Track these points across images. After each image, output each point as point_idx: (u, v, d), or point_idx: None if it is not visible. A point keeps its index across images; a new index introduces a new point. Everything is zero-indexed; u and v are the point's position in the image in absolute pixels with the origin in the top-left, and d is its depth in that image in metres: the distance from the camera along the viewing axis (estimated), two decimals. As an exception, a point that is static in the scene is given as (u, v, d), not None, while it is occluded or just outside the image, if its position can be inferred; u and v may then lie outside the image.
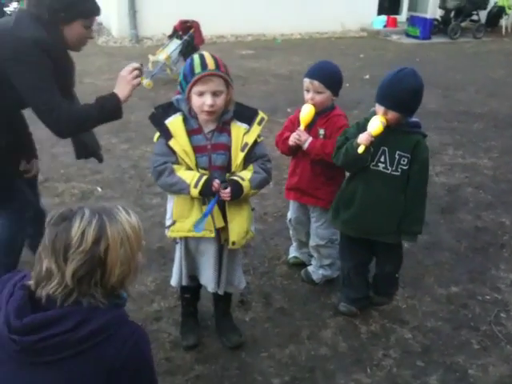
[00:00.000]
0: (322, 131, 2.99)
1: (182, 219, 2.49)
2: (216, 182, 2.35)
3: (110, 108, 2.68)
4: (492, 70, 9.16)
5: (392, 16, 13.18)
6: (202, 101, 2.31)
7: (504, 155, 5.39)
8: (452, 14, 12.49)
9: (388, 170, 2.67)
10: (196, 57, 2.35)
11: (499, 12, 13.01)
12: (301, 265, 3.43)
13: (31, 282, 1.54)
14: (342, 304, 3.04)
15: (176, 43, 7.35)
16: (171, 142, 2.37)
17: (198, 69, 2.29)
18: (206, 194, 2.37)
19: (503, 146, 5.65)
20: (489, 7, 12.83)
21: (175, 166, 2.40)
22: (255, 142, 2.43)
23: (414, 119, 2.69)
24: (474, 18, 12.78)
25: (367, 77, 7.93)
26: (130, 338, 1.51)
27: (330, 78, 2.94)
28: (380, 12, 13.27)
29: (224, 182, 2.39)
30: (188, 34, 7.31)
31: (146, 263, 3.43)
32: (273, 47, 10.75)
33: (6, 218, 2.95)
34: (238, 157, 2.41)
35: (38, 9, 2.57)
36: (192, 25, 7.34)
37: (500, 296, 3.25)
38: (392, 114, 2.56)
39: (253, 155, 2.46)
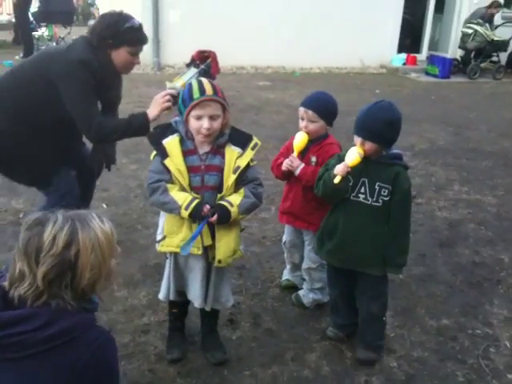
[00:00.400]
0: (313, 158, 3.06)
1: (172, 235, 2.57)
2: (206, 208, 2.44)
3: (137, 124, 3.15)
4: (507, 111, 9.16)
5: (412, 54, 13.32)
6: (200, 124, 2.42)
7: (510, 193, 5.37)
8: (472, 54, 12.59)
9: (368, 200, 2.67)
10: (194, 82, 2.47)
11: (520, 54, 13.11)
12: (293, 288, 3.45)
13: (6, 283, 1.61)
14: (329, 329, 3.05)
15: (193, 71, 7.46)
16: (166, 161, 2.47)
17: (196, 94, 2.41)
18: (196, 217, 2.46)
19: (510, 184, 5.64)
20: (509, 49, 12.92)
21: (169, 186, 2.50)
22: (247, 166, 2.52)
23: (395, 151, 2.72)
24: (494, 59, 12.85)
25: (377, 91, 7.95)
26: (94, 342, 1.57)
27: (324, 108, 3.03)
28: (400, 50, 13.43)
29: (213, 206, 2.47)
30: (205, 63, 7.48)
31: (141, 278, 3.51)
32: (290, 80, 10.93)
33: (46, 202, 3.29)
34: (229, 178, 2.49)
35: (90, 35, 3.10)
36: (209, 55, 7.48)
37: (491, 331, 3.23)
38: (369, 145, 2.58)
39: (245, 178, 2.54)
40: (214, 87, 2.45)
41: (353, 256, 2.76)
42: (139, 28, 3.20)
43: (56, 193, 3.26)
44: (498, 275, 3.85)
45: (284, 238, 3.41)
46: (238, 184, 2.54)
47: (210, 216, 2.44)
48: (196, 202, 2.44)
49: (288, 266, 3.51)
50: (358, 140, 2.61)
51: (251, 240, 4.08)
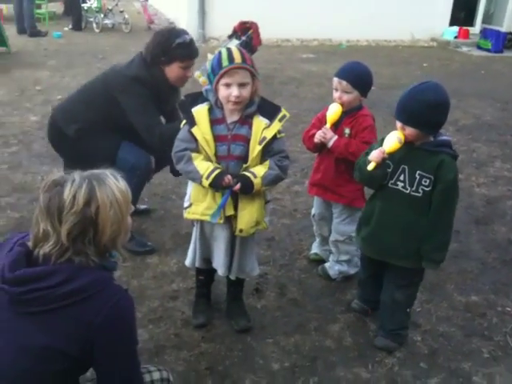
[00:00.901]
0: (347, 130, 3.04)
1: (197, 202, 2.63)
2: (227, 178, 2.47)
3: None
4: (561, 87, 8.76)
5: (464, 27, 12.86)
6: (229, 92, 2.43)
7: (553, 172, 5.19)
8: (528, 28, 12.07)
9: (407, 189, 2.51)
10: (224, 51, 2.48)
11: None
12: (321, 261, 3.48)
13: (29, 243, 1.70)
14: (354, 301, 3.07)
15: (234, 43, 7.50)
16: (194, 129, 2.50)
17: (225, 62, 2.42)
18: (216, 186, 2.50)
19: (554, 162, 5.44)
20: None
21: (193, 155, 2.54)
22: (274, 138, 2.53)
23: (444, 137, 2.52)
24: (551, 33, 12.27)
25: None
26: (112, 300, 1.64)
27: (358, 78, 2.98)
28: (453, 23, 12.98)
29: (236, 177, 2.50)
30: (246, 34, 7.46)
31: (173, 246, 3.61)
32: (335, 52, 10.75)
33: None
34: (255, 149, 2.51)
35: (145, 53, 3.30)
36: (251, 26, 7.48)
37: (521, 309, 3.18)
38: (409, 130, 2.42)
39: (270, 150, 2.55)
40: (242, 55, 2.44)
41: (385, 246, 2.64)
42: (189, 43, 3.30)
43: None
44: (533, 254, 3.76)
45: (313, 211, 3.42)
46: (264, 155, 2.56)
47: (233, 186, 2.48)
48: (217, 172, 2.47)
49: (317, 239, 3.52)
50: (398, 124, 2.46)
51: (282, 212, 4.11)
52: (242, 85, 2.43)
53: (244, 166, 2.54)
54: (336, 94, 3.02)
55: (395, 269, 2.69)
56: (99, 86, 3.40)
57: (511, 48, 12.05)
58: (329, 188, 3.17)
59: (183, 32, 3.33)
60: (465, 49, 12.09)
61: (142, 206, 3.98)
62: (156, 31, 3.38)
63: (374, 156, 2.45)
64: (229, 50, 2.47)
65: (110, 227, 1.67)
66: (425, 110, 2.35)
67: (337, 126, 3.05)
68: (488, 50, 11.81)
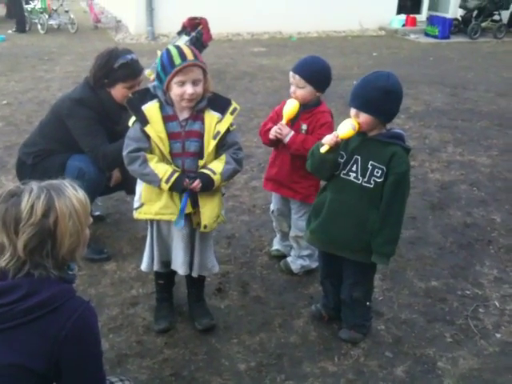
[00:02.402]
0: (304, 126, 3.01)
1: (150, 202, 2.58)
2: (186, 181, 2.44)
3: None
4: (506, 70, 9.04)
5: (412, 15, 13.09)
6: (183, 90, 2.40)
7: (504, 153, 5.33)
8: (473, 14, 12.34)
9: (359, 180, 2.49)
10: (172, 48, 2.43)
11: (522, 12, 12.84)
12: (283, 257, 3.45)
13: None
14: (314, 304, 3.00)
15: (184, 39, 7.42)
16: (147, 128, 2.45)
17: (177, 60, 2.37)
18: (176, 189, 2.48)
19: (505, 144, 5.59)
20: (511, 7, 12.66)
21: (148, 156, 2.48)
22: (227, 131, 2.52)
23: (396, 130, 2.55)
24: (496, 18, 12.61)
25: None
26: (76, 312, 1.59)
27: (311, 73, 2.93)
28: (400, 11, 13.20)
29: (193, 177, 2.46)
30: (196, 30, 7.38)
31: (130, 251, 3.52)
32: (287, 45, 10.77)
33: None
34: (210, 144, 2.49)
35: (89, 76, 3.30)
36: (200, 21, 7.41)
37: (481, 291, 3.23)
38: (364, 117, 2.41)
39: (225, 143, 2.54)
40: (193, 52, 2.42)
41: (335, 237, 2.61)
42: (131, 63, 3.25)
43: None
44: (489, 236, 3.84)
45: (272, 207, 3.40)
46: (219, 149, 2.54)
47: (193, 187, 2.45)
48: (176, 175, 2.44)
49: (277, 235, 3.50)
50: (352, 111, 2.46)
51: (241, 209, 4.07)
52: (195, 82, 2.41)
53: (200, 161, 2.51)
54: (291, 89, 3.00)
55: (349, 266, 2.68)
56: (50, 116, 3.46)
57: (457, 34, 12.34)
58: (283, 183, 3.15)
59: (125, 52, 3.29)
60: (413, 36, 12.32)
61: (96, 213, 3.87)
62: (98, 54, 3.33)
63: (328, 139, 2.45)
64: (178, 48, 2.42)
65: (69, 239, 1.61)
66: (378, 95, 2.36)
67: (294, 122, 3.02)
68: (435, 37, 12.08)
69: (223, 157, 2.54)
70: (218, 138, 2.48)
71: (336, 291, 2.84)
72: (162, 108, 2.48)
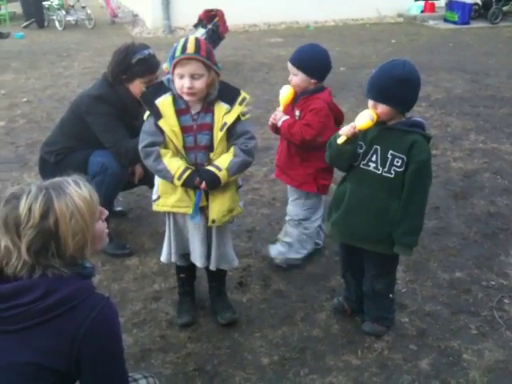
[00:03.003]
0: (297, 112, 3.06)
1: (166, 195, 2.59)
2: (196, 180, 2.45)
3: None
4: (528, 54, 8.85)
5: (430, 1, 12.88)
6: (182, 83, 2.38)
7: (528, 140, 5.23)
8: (494, -3, 12.12)
9: (379, 170, 2.45)
10: (181, 41, 2.43)
11: (544, -6, 12.55)
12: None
13: None
14: (336, 297, 2.99)
15: (201, 32, 7.41)
16: (161, 122, 2.45)
17: (178, 52, 2.37)
18: (188, 186, 2.49)
19: (528, 131, 5.48)
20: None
21: (162, 151, 2.49)
22: (237, 121, 2.48)
23: (416, 118, 2.50)
24: (518, 1, 12.36)
25: None
26: (94, 309, 1.58)
27: (303, 61, 2.96)
28: (418, -3, 13.00)
29: (201, 174, 2.47)
30: (212, 22, 7.36)
31: (152, 246, 3.54)
32: (303, 35, 10.69)
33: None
34: (217, 136, 2.48)
35: (107, 72, 3.32)
36: (216, 13, 7.39)
37: (506, 282, 3.18)
38: (381, 108, 2.37)
39: (234, 133, 2.51)
40: (197, 46, 2.37)
41: (355, 229, 2.57)
42: (148, 58, 3.27)
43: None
44: (514, 225, 3.77)
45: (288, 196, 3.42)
46: (229, 140, 2.52)
47: (200, 184, 2.47)
48: (188, 172, 2.45)
49: None
50: (370, 103, 2.41)
51: (261, 202, 4.06)
52: (194, 76, 2.37)
53: (211, 154, 2.50)
54: (290, 76, 3.04)
55: (370, 258, 2.65)
56: (69, 114, 3.48)
57: (477, 19, 12.12)
58: (283, 170, 3.22)
59: (142, 47, 3.31)
60: (432, 22, 12.13)
61: (118, 208, 3.90)
62: (115, 50, 3.35)
63: (345, 130, 2.41)
64: (185, 40, 2.41)
65: (73, 238, 1.58)
66: (394, 84, 2.32)
67: (292, 108, 3.08)
68: (455, 23, 11.87)
69: (232, 149, 2.51)
70: (224, 129, 2.46)
71: (358, 284, 2.82)
72: (175, 101, 2.47)
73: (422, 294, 3.08)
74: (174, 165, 2.46)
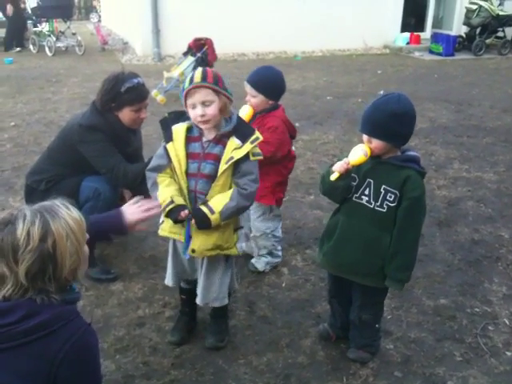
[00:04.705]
0: None
1: (167, 220, 2.60)
2: (184, 213, 2.46)
3: None
4: (511, 86, 9.04)
5: (416, 33, 13.17)
6: (195, 112, 2.44)
7: (510, 169, 5.31)
8: (477, 30, 12.42)
9: (371, 204, 2.43)
10: (188, 76, 2.51)
11: (526, 28, 12.91)
12: (249, 257, 3.59)
13: None
14: (322, 323, 2.97)
15: (190, 60, 7.51)
16: (168, 145, 2.51)
17: (186, 84, 2.45)
18: (171, 218, 2.51)
19: (511, 160, 5.58)
20: (515, 24, 12.72)
21: (159, 179, 2.55)
22: (246, 159, 2.49)
23: (411, 153, 2.46)
24: (500, 34, 12.67)
25: (381, 92, 7.91)
26: (75, 334, 1.58)
27: (261, 82, 3.12)
28: (404, 29, 13.28)
29: (193, 212, 2.49)
30: (201, 51, 7.46)
31: (137, 271, 3.52)
32: (291, 64, 10.84)
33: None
34: (222, 168, 2.48)
35: (96, 101, 3.34)
36: (205, 42, 7.49)
37: (490, 309, 3.20)
38: (375, 142, 2.35)
39: (239, 170, 2.51)
40: (204, 74, 2.43)
41: (346, 261, 2.55)
42: (138, 86, 3.30)
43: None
44: (497, 252, 3.81)
45: None
46: (233, 176, 2.52)
47: (190, 218, 2.49)
48: (171, 206, 2.47)
49: None
50: (364, 137, 2.39)
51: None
52: (204, 103, 2.43)
53: (213, 184, 2.49)
54: (247, 97, 3.17)
55: (358, 288, 2.63)
56: (58, 142, 3.47)
57: (461, 51, 12.40)
58: None
59: (131, 76, 3.33)
60: (417, 54, 12.37)
61: (103, 232, 3.88)
62: (105, 78, 3.38)
63: (338, 166, 2.39)
64: (192, 74, 2.48)
65: (70, 259, 1.61)
66: (389, 119, 2.28)
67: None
68: (439, 54, 12.13)
69: (230, 191, 2.51)
70: (230, 163, 2.46)
71: (344, 311, 2.81)
72: (190, 129, 2.55)
73: (406, 321, 3.08)
74: (164, 195, 2.50)
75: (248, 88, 3.12)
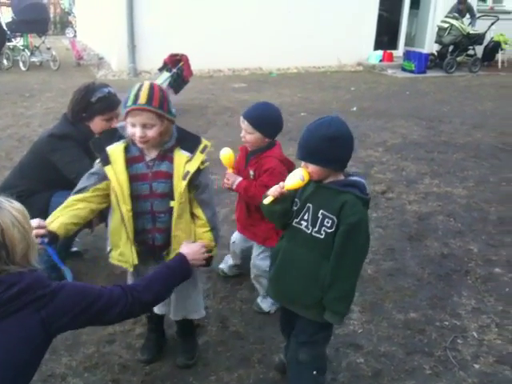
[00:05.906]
0: (252, 172, 3.05)
1: (115, 247, 2.59)
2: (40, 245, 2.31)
3: None
4: (481, 103, 9.26)
5: (389, 51, 13.40)
6: (134, 131, 2.36)
7: (480, 184, 5.42)
8: (448, 48, 12.70)
9: (309, 229, 2.28)
10: (135, 88, 2.35)
11: (495, 47, 13.28)
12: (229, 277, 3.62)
13: None
14: (278, 355, 2.91)
15: (165, 76, 7.52)
16: (107, 168, 2.42)
17: (130, 102, 2.31)
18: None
19: (480, 175, 5.69)
20: (485, 42, 13.05)
21: (69, 201, 2.50)
22: (198, 170, 2.45)
23: (354, 178, 2.31)
24: (471, 52, 12.97)
25: (354, 109, 8.07)
26: (56, 289, 1.83)
27: (259, 119, 2.93)
28: (377, 47, 13.51)
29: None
30: (177, 66, 7.48)
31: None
32: (266, 80, 10.94)
33: None
34: (179, 185, 2.43)
35: (68, 112, 3.36)
36: (181, 58, 7.52)
37: (459, 322, 3.25)
38: (312, 168, 2.23)
39: (198, 183, 2.48)
40: (150, 95, 2.29)
41: (286, 291, 2.41)
42: (108, 96, 3.30)
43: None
44: (466, 266, 3.87)
45: (233, 238, 3.48)
46: (191, 189, 2.48)
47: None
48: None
49: (230, 259, 3.63)
50: (302, 162, 2.29)
51: (222, 243, 4.03)
52: (145, 126, 2.33)
53: (171, 202, 2.44)
54: (242, 133, 3.01)
55: (300, 322, 2.42)
56: (30, 156, 3.49)
57: (433, 68, 12.66)
58: (245, 226, 3.26)
59: (102, 86, 3.34)
60: (390, 71, 12.58)
61: (74, 248, 3.85)
62: (75, 89, 3.38)
63: (272, 190, 2.30)
64: (139, 89, 2.32)
65: (19, 244, 1.77)
66: (320, 144, 2.17)
67: (245, 168, 3.10)
68: (412, 72, 12.35)
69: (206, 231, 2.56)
70: (187, 178, 2.41)
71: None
72: (128, 149, 2.44)
73: (377, 335, 3.11)
74: (52, 215, 2.45)
75: (245, 124, 2.94)
